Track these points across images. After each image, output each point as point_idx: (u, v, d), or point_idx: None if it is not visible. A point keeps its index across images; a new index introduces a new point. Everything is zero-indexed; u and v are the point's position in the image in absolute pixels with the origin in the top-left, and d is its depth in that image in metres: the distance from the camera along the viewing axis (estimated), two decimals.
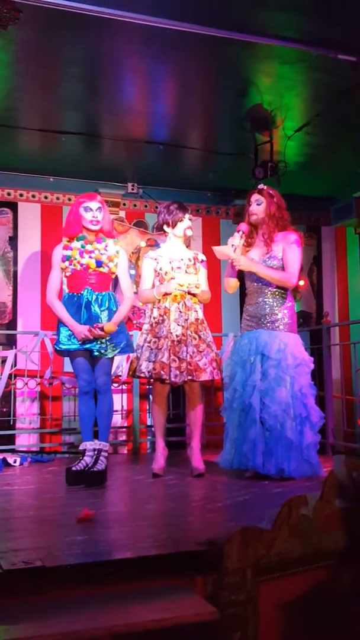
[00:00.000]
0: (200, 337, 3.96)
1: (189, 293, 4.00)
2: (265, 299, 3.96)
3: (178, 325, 3.94)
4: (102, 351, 3.79)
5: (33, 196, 5.96)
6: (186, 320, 3.96)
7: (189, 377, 3.88)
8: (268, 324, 3.92)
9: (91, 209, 3.86)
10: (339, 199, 6.72)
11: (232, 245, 3.89)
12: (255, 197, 4.03)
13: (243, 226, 3.97)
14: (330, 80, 4.24)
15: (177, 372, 3.86)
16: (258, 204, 4.00)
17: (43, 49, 3.87)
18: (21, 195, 5.93)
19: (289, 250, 3.93)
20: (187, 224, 4.09)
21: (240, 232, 3.93)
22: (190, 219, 4.14)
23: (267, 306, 3.95)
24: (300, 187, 6.08)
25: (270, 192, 4.02)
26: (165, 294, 3.98)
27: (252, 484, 3.64)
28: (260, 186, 4.08)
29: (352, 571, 2.34)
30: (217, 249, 4.01)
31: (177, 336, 3.91)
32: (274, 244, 3.96)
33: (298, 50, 3.87)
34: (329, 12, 3.56)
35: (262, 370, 3.83)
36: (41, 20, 3.54)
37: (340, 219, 6.73)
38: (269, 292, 3.96)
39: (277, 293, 3.96)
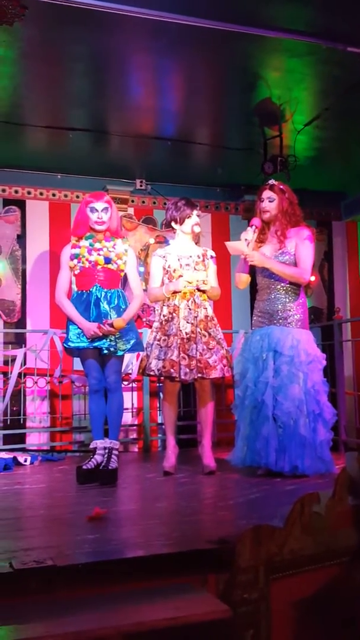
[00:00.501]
0: (210, 334, 3.94)
1: (198, 290, 3.98)
2: (278, 295, 3.93)
3: (187, 322, 3.92)
4: (112, 349, 3.77)
5: (41, 194, 5.96)
6: (196, 317, 3.94)
7: (199, 375, 3.86)
8: (280, 320, 3.89)
9: (97, 210, 3.85)
10: (349, 194, 6.66)
11: (246, 239, 3.86)
12: (267, 193, 3.98)
13: (256, 221, 3.94)
14: (340, 74, 4.20)
15: (187, 370, 3.84)
16: (270, 201, 3.96)
17: (49, 46, 3.86)
18: (29, 193, 5.93)
19: (301, 246, 3.89)
20: (194, 221, 4.06)
21: (254, 227, 3.90)
22: (198, 215, 4.11)
23: (279, 302, 3.92)
24: (311, 182, 6.04)
25: (282, 187, 3.98)
26: (175, 292, 3.96)
27: (264, 482, 3.62)
28: (271, 182, 4.03)
29: None
30: (229, 245, 3.98)
31: (186, 334, 3.89)
32: (287, 240, 3.92)
33: (307, 43, 3.84)
34: (338, 4, 3.53)
35: (274, 367, 3.80)
36: (47, 17, 3.52)
37: (351, 214, 6.68)
38: (281, 288, 3.92)
39: (289, 289, 3.93)
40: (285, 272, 3.87)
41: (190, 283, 3.96)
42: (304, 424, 3.70)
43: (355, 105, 4.68)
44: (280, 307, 3.91)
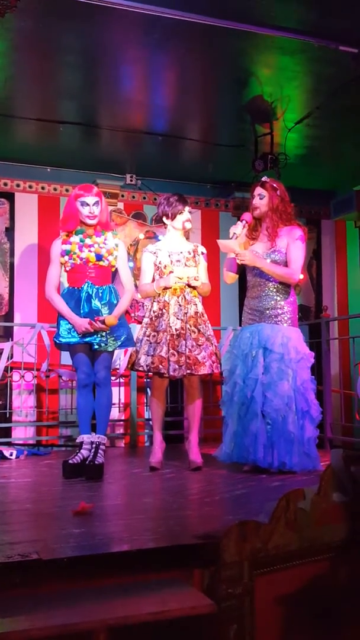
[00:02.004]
0: (199, 330, 3.94)
1: (189, 286, 3.98)
2: (268, 293, 3.94)
3: (177, 319, 3.92)
4: (102, 345, 3.77)
5: (30, 187, 5.93)
6: (185, 313, 3.94)
7: (188, 371, 3.86)
8: (270, 318, 3.90)
9: (88, 204, 3.81)
10: (339, 192, 6.69)
11: (234, 233, 3.87)
12: (258, 190, 3.99)
13: (247, 216, 3.95)
14: (331, 72, 4.21)
15: (176, 366, 3.85)
16: (261, 198, 3.97)
17: (41, 38, 3.84)
18: (18, 185, 5.90)
19: (293, 246, 3.90)
20: (186, 217, 4.06)
21: (244, 222, 3.91)
22: (190, 212, 4.11)
23: (269, 300, 3.93)
24: (301, 180, 6.06)
25: (274, 185, 3.98)
26: (165, 288, 3.96)
27: (250, 478, 3.63)
28: (264, 179, 4.04)
29: (349, 565, 2.34)
30: (221, 243, 3.98)
31: (176, 330, 3.89)
32: (278, 238, 3.93)
33: (299, 41, 3.85)
34: (330, 3, 3.53)
35: (264, 364, 3.81)
36: (39, 9, 3.50)
37: (340, 212, 6.71)
38: (272, 286, 3.93)
39: (279, 287, 3.94)
40: (275, 272, 3.88)
41: (180, 279, 3.96)
42: (293, 421, 3.72)
43: (346, 104, 4.70)
44: (270, 304, 3.92)
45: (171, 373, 3.85)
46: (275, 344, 3.80)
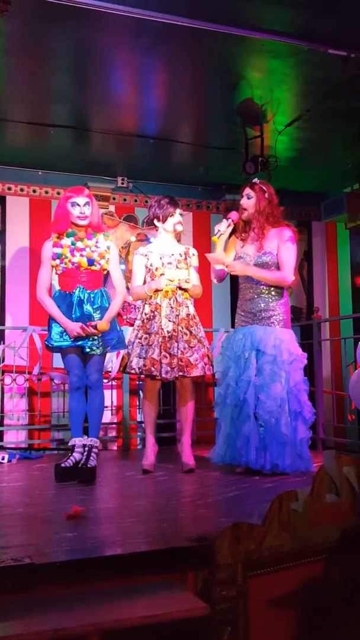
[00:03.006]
0: (191, 332, 3.95)
1: (180, 288, 3.98)
2: (261, 295, 3.94)
3: (169, 321, 3.92)
4: (94, 348, 3.76)
5: (21, 190, 5.92)
6: (177, 316, 3.94)
7: (180, 373, 3.87)
8: (263, 320, 3.91)
9: (78, 205, 3.81)
10: (329, 194, 6.71)
11: (218, 230, 3.89)
12: (246, 191, 4.02)
13: (234, 215, 3.97)
14: (321, 75, 4.23)
15: (168, 369, 3.85)
16: (249, 198, 4.00)
17: (32, 41, 3.84)
18: (9, 189, 5.88)
19: (283, 248, 3.91)
20: (177, 219, 4.07)
21: (230, 220, 3.92)
22: (181, 214, 4.12)
23: (262, 302, 3.94)
24: (291, 182, 6.08)
25: (263, 187, 4.00)
26: (156, 290, 3.97)
27: (243, 480, 3.64)
28: (254, 180, 4.07)
29: (342, 566, 2.34)
30: (210, 256, 3.99)
31: (168, 332, 3.90)
32: (267, 240, 3.94)
33: (289, 44, 3.86)
34: (320, 6, 3.55)
35: (257, 366, 3.82)
36: (30, 12, 3.50)
37: (330, 214, 6.73)
38: (264, 288, 3.94)
39: (272, 289, 3.95)
40: (267, 277, 3.89)
41: (171, 281, 3.96)
42: (286, 423, 3.73)
43: (336, 107, 4.72)
44: (263, 306, 3.93)
45: (163, 375, 3.85)
46: (268, 346, 3.81)
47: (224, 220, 3.95)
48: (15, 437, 5.60)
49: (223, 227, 3.90)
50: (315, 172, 6.24)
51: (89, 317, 3.75)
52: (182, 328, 3.93)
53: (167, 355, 3.86)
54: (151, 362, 3.85)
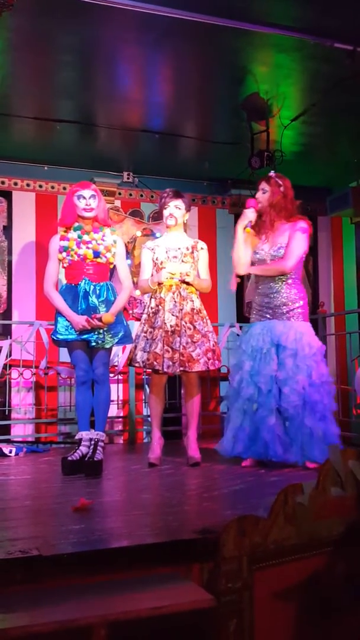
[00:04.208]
0: (195, 327, 3.94)
1: (183, 282, 3.98)
2: (279, 290, 3.92)
3: (172, 315, 3.93)
4: (100, 342, 3.78)
5: (28, 185, 5.93)
6: (181, 310, 3.94)
7: (181, 368, 3.87)
8: (283, 314, 3.89)
9: (84, 197, 3.83)
10: (335, 189, 6.70)
11: (250, 221, 3.93)
12: (262, 184, 3.99)
13: (252, 202, 3.98)
14: (327, 69, 4.22)
15: (170, 363, 3.86)
16: (264, 192, 3.97)
17: (38, 36, 3.84)
18: (15, 184, 5.89)
19: (292, 236, 3.89)
20: (169, 212, 4.02)
21: (252, 209, 3.94)
22: (177, 207, 4.03)
23: (280, 296, 3.91)
24: (297, 177, 5.99)
25: (279, 180, 3.96)
26: (159, 284, 3.97)
27: (249, 473, 3.65)
28: (270, 173, 4.03)
29: (347, 559, 2.36)
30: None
31: (171, 326, 3.90)
32: (280, 234, 3.92)
33: (294, 38, 3.85)
34: (326, 0, 3.53)
35: (277, 361, 3.81)
36: (36, 7, 3.50)
37: (336, 209, 6.71)
38: (281, 282, 3.92)
39: (289, 282, 3.92)
40: (266, 270, 3.90)
41: (173, 275, 3.96)
42: (310, 416, 3.71)
43: (342, 101, 4.71)
44: (281, 300, 3.91)
45: (165, 369, 3.86)
46: (289, 340, 3.79)
47: (246, 210, 3.95)
48: (22, 430, 5.63)
49: (251, 216, 3.92)
50: (320, 166, 6.23)
51: (94, 309, 3.77)
52: (186, 322, 3.92)
53: (170, 349, 3.87)
54: (154, 356, 3.87)
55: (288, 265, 3.87)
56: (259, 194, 4.00)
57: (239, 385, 3.91)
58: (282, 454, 3.70)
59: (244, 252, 4.01)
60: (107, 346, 3.83)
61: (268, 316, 3.93)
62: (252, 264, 4.04)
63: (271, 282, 3.95)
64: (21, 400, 5.65)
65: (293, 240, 3.89)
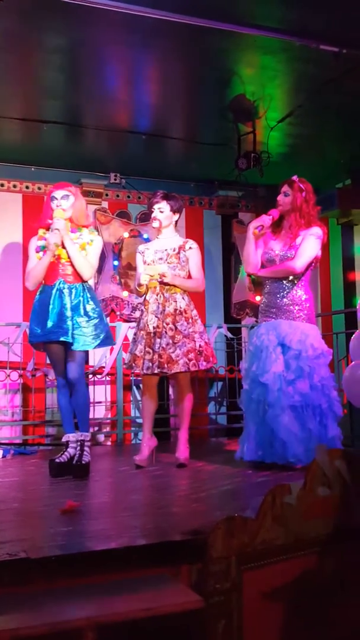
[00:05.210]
0: (177, 328, 3.93)
1: (162, 283, 3.97)
2: (284, 290, 3.90)
3: (155, 317, 3.94)
4: (81, 343, 3.70)
5: (14, 186, 5.91)
6: (162, 311, 3.94)
7: (159, 370, 3.87)
8: (288, 314, 3.87)
9: (56, 198, 3.81)
10: (321, 190, 6.68)
11: (261, 226, 3.91)
12: (285, 188, 3.95)
13: (275, 212, 3.95)
14: (313, 71, 4.24)
15: (149, 364, 3.87)
16: (285, 195, 3.93)
17: (24, 37, 3.83)
18: (2, 185, 5.87)
19: (304, 239, 3.86)
20: (153, 215, 4.07)
21: (271, 217, 3.92)
22: (160, 210, 4.04)
23: (285, 297, 3.89)
24: (283, 178, 5.99)
25: (301, 185, 3.94)
26: (139, 285, 4.02)
27: (237, 474, 3.65)
28: (293, 178, 3.99)
29: (336, 558, 2.37)
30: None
31: (153, 328, 3.92)
32: (295, 237, 3.88)
33: (280, 40, 3.87)
34: (312, 2, 3.56)
35: (283, 361, 3.79)
36: (23, 8, 3.50)
37: (323, 210, 6.70)
38: (288, 283, 3.91)
39: (296, 284, 3.91)
40: (275, 272, 3.89)
41: (151, 276, 3.96)
42: (311, 418, 3.70)
43: (328, 103, 4.74)
44: (287, 301, 3.88)
45: (145, 371, 3.88)
46: (294, 341, 3.77)
47: (264, 216, 3.94)
48: (9, 432, 5.61)
49: (267, 222, 3.91)
50: (307, 167, 6.22)
51: (64, 312, 3.69)
52: (168, 324, 3.92)
53: (150, 351, 3.88)
54: (134, 357, 3.92)
55: (297, 265, 3.83)
56: (280, 197, 3.95)
57: (251, 387, 3.85)
58: (283, 455, 3.64)
59: (253, 251, 4.00)
60: (88, 348, 3.78)
61: (273, 315, 3.91)
62: (262, 265, 4.02)
63: (279, 282, 3.93)
64: (8, 402, 5.62)
65: (305, 242, 3.85)
